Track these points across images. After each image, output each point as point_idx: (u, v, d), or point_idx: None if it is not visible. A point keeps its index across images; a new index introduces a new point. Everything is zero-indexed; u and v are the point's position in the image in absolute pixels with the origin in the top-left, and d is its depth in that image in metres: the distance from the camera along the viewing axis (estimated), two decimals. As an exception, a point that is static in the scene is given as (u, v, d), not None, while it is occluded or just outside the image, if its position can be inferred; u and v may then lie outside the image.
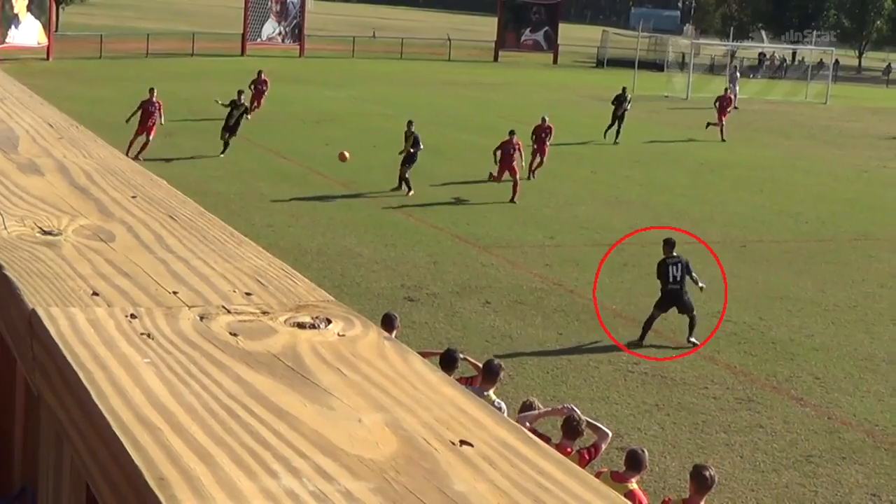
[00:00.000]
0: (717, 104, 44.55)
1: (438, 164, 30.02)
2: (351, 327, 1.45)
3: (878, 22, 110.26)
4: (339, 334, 1.42)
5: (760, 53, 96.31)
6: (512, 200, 27.81)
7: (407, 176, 28.03)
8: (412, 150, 28.33)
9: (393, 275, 20.79)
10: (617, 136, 40.38)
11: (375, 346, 1.39)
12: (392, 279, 20.50)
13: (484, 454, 1.11)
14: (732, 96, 50.40)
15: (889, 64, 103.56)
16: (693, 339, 17.81)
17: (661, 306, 18.05)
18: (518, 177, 28.45)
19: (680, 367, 16.67)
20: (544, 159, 31.77)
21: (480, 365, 12.34)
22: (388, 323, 12.76)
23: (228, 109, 32.60)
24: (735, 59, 78.80)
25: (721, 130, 42.89)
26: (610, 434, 10.75)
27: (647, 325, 17.83)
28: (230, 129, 32.33)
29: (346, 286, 19.58)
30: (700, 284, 18.68)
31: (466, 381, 11.92)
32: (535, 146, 31.64)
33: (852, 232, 27.70)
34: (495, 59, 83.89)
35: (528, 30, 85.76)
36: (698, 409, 15.04)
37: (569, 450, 9.74)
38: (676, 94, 63.93)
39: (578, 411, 10.81)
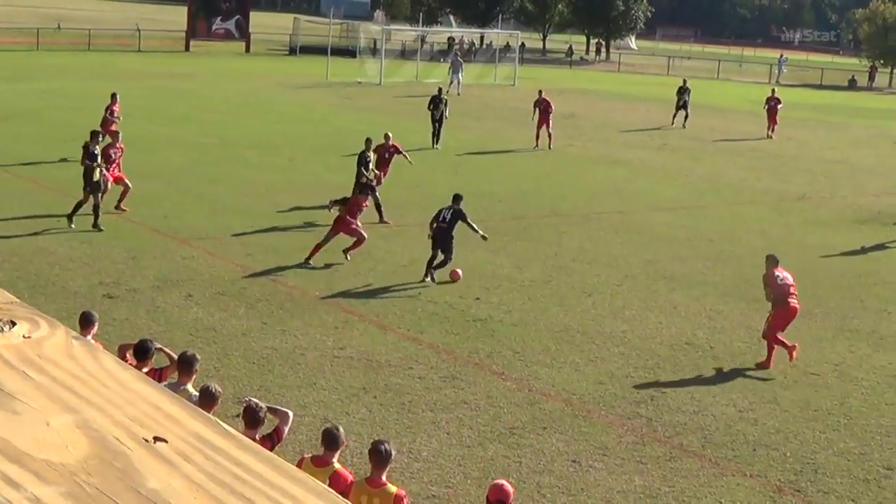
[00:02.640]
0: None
1: (131, 156, 29.26)
2: (37, 328, 1.40)
3: (560, 6, 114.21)
4: (24, 336, 1.37)
5: (450, 38, 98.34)
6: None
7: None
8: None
9: (90, 272, 20.22)
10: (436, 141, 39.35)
11: (63, 347, 1.35)
12: (89, 277, 19.94)
13: (179, 449, 1.10)
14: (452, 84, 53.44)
15: (571, 46, 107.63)
16: (434, 277, 20.59)
17: (433, 246, 20.85)
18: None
19: (385, 349, 16.87)
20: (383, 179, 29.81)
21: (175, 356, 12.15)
22: (86, 322, 12.39)
23: None
24: (456, 45, 79.95)
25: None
26: (291, 415, 10.67)
27: (429, 264, 20.80)
28: None
29: (41, 286, 18.93)
30: (480, 233, 21.26)
31: (156, 373, 11.68)
32: (380, 169, 28.61)
33: (543, 209, 28.66)
34: (186, 48, 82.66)
35: (220, 18, 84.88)
36: (405, 389, 15.27)
37: (256, 438, 9.60)
38: (369, 79, 64.53)
39: (256, 399, 10.67)
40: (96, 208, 23.30)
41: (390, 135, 29.41)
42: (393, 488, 9.49)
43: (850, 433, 14.85)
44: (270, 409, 10.48)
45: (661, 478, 13.03)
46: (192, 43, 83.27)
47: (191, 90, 53.04)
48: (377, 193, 25.70)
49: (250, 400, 10.49)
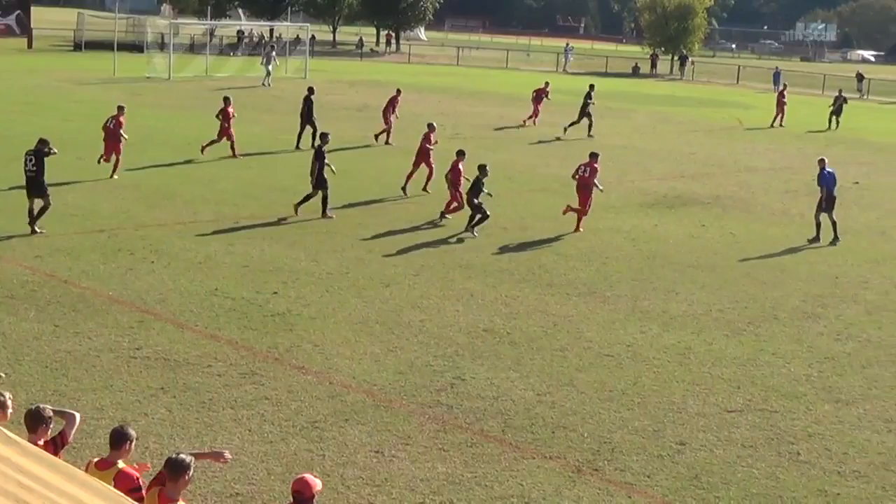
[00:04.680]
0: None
1: None
2: None
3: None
4: None
5: (239, 31, 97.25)
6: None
7: None
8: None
9: None
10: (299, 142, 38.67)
11: None
12: None
13: (-41, 459, 1.06)
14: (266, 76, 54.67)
15: (361, 38, 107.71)
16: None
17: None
18: None
19: (183, 348, 16.61)
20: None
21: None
22: None
23: None
24: (272, 39, 78.64)
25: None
26: (78, 417, 10.31)
27: None
28: None
29: None
30: None
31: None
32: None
33: (340, 201, 28.59)
34: (-38, 44, 79.73)
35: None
36: (204, 387, 15.07)
37: (40, 443, 9.28)
38: (158, 74, 63.40)
39: (44, 405, 10.31)
40: None
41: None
42: (121, 464, 9.38)
43: (644, 411, 15.28)
44: (57, 412, 10.14)
45: (463, 464, 13.18)
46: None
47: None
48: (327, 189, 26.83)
49: (36, 405, 10.15)
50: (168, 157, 34.17)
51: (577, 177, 27.41)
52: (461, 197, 26.57)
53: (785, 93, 57.21)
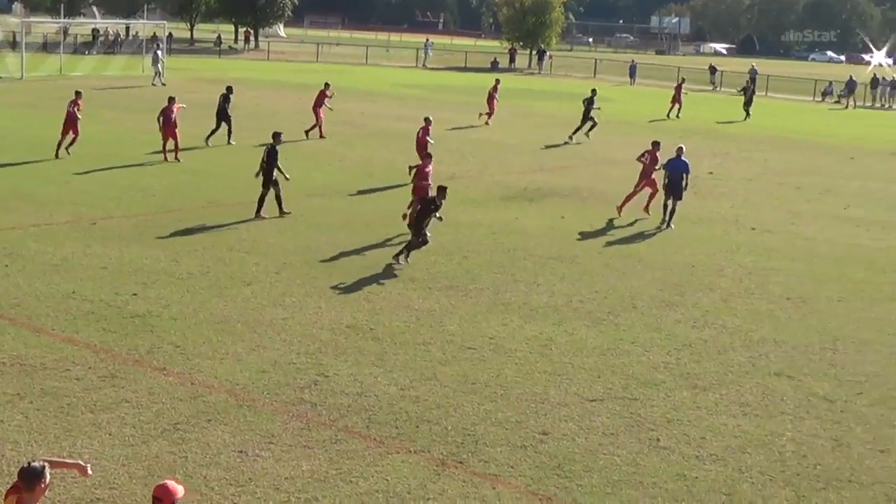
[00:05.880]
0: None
1: None
2: None
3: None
4: None
5: (94, 29, 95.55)
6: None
7: None
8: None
9: None
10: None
11: None
12: None
13: None
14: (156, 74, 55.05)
15: (219, 35, 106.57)
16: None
17: None
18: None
19: (39, 352, 16.27)
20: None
21: None
22: None
23: None
24: (157, 38, 76.93)
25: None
26: None
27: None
28: None
29: None
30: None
31: None
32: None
33: (200, 200, 28.34)
34: None
35: None
36: (62, 392, 14.78)
37: None
38: (11, 74, 62.01)
39: None
40: None
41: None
42: None
43: (507, 403, 15.42)
44: None
45: (328, 461, 13.16)
46: None
47: None
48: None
49: None
50: (22, 158, 33.43)
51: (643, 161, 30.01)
52: None
53: (683, 87, 61.41)
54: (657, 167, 29.73)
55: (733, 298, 21.93)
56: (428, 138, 33.37)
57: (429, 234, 23.38)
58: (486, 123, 50.19)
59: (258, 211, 26.68)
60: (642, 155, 30.05)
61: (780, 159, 44.80)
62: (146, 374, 15.70)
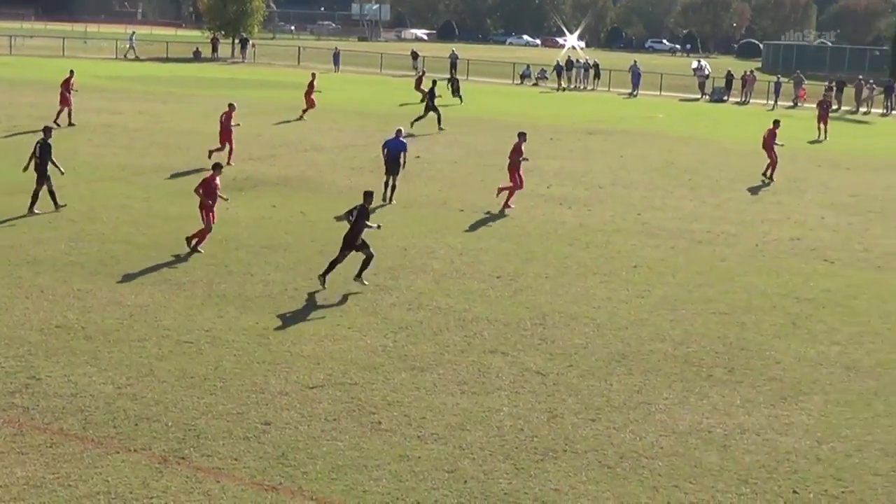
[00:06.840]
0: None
1: None
2: None
3: None
4: None
5: None
6: None
7: None
8: None
9: None
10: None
11: None
12: None
13: None
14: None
15: None
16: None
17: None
18: None
19: None
20: None
21: None
22: None
23: None
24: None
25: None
26: None
27: None
28: None
29: None
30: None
31: None
32: None
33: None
34: None
35: None
36: None
37: None
38: None
39: None
40: None
41: None
42: None
43: (227, 395, 15.29)
44: None
45: (43, 465, 12.74)
46: None
47: None
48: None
49: None
50: None
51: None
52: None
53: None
54: (522, 158, 30.33)
55: (446, 279, 22.38)
56: (232, 123, 34.75)
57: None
58: (301, 118, 50.42)
59: (31, 207, 26.51)
60: (513, 151, 30.46)
61: (484, 141, 45.88)
62: None
